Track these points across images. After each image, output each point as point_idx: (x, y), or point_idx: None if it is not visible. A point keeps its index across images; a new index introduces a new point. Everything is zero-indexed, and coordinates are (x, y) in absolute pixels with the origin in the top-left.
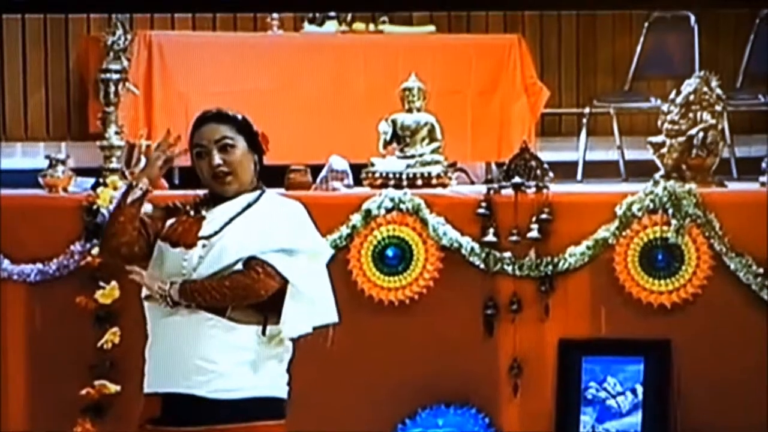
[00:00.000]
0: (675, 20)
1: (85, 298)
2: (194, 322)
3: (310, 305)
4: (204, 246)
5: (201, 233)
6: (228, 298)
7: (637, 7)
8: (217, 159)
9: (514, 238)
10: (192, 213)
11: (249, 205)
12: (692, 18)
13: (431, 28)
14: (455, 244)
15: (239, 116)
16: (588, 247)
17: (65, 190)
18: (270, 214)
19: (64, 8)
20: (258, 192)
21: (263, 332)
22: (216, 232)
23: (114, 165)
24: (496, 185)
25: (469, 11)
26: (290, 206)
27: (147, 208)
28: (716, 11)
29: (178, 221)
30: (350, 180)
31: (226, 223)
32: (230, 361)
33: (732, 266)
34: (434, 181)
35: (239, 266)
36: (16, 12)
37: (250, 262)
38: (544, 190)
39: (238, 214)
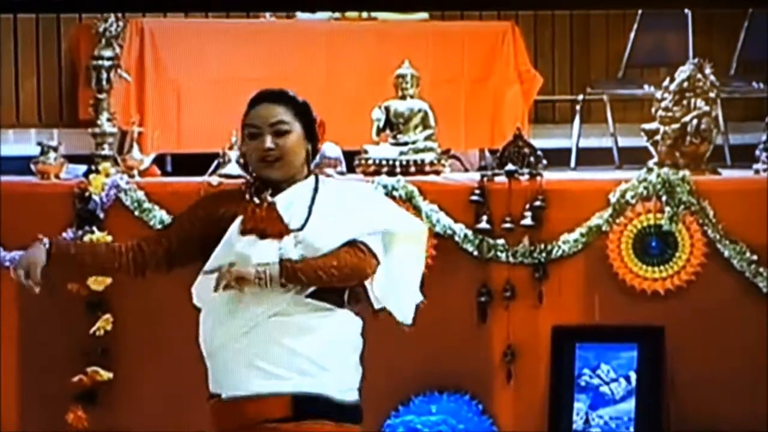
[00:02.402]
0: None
1: (77, 285)
2: (295, 319)
3: (413, 287)
4: (297, 238)
5: (289, 225)
6: (335, 278)
7: (633, 7)
8: (269, 142)
9: (507, 225)
10: (257, 200)
11: (315, 191)
12: None
13: (424, 14)
14: (449, 232)
15: (299, 99)
16: (581, 235)
17: (57, 176)
18: (349, 198)
19: (57, 8)
20: (313, 178)
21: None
22: (304, 224)
23: (106, 152)
24: (489, 172)
25: (463, 11)
26: (364, 187)
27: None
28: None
29: (251, 211)
30: (343, 167)
31: (309, 214)
32: (335, 356)
33: (726, 253)
34: (427, 168)
35: None
36: (9, 12)
37: (350, 243)
38: (538, 178)
39: (312, 201)
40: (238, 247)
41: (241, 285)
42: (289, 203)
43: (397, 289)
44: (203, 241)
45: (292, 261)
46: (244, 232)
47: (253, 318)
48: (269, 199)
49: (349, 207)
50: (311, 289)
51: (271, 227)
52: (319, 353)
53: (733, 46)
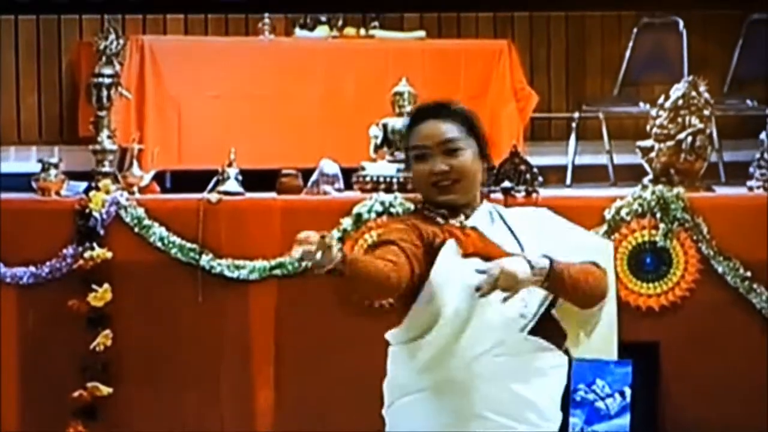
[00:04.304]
0: (664, 25)
1: (78, 301)
2: (524, 360)
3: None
4: None
5: (506, 249)
6: (587, 291)
7: (631, 8)
8: (440, 164)
9: None
10: (458, 224)
11: (500, 217)
12: (681, 23)
13: (421, 33)
14: None
15: (467, 111)
16: None
17: (58, 193)
18: (547, 224)
19: (58, 9)
20: (487, 203)
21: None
22: (521, 250)
23: (106, 169)
24: (485, 189)
25: (459, 12)
26: (547, 212)
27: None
28: (705, 16)
29: (464, 236)
30: (341, 184)
31: (516, 239)
32: (558, 404)
33: (720, 270)
34: None
35: None
36: (10, 12)
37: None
38: (534, 194)
39: (508, 226)
40: (468, 271)
41: (512, 285)
42: (486, 229)
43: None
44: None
45: (555, 260)
46: (467, 256)
47: (476, 357)
48: (467, 223)
49: (549, 232)
50: (531, 324)
51: (493, 251)
52: (549, 401)
53: (727, 64)
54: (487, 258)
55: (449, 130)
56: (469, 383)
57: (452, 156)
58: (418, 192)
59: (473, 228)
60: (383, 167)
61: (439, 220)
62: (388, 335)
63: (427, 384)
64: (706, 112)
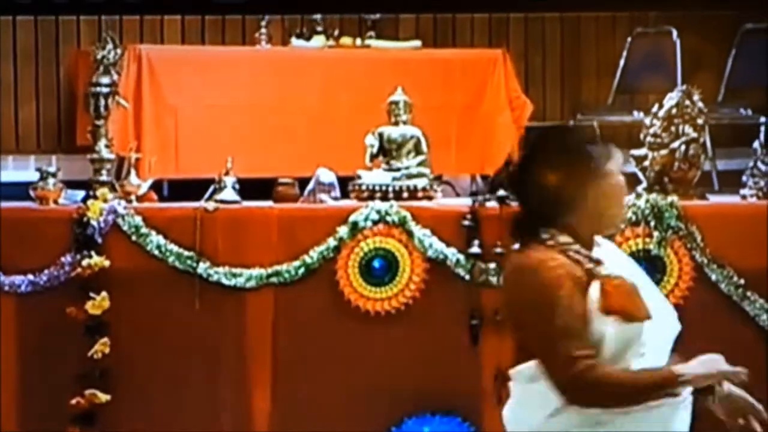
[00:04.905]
0: (658, 35)
1: (76, 309)
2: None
3: None
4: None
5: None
6: None
7: (629, 7)
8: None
9: (498, 249)
10: (607, 274)
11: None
12: (674, 32)
13: (417, 43)
14: (441, 256)
15: None
16: None
17: (56, 202)
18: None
19: (56, 10)
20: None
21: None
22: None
23: (104, 178)
24: (481, 198)
25: (455, 13)
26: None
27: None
28: (699, 25)
29: (612, 287)
30: (337, 192)
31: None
32: None
33: (713, 277)
34: (420, 194)
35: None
36: (8, 13)
37: None
38: None
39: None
40: (610, 330)
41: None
42: (618, 268)
43: None
44: None
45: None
46: (608, 311)
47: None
48: (616, 272)
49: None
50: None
51: (638, 312)
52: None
53: (721, 73)
54: (627, 316)
55: None
56: (611, 422)
57: None
58: (603, 212)
59: (619, 278)
60: (379, 176)
61: (589, 265)
62: (514, 372)
63: (567, 427)
64: (700, 121)
